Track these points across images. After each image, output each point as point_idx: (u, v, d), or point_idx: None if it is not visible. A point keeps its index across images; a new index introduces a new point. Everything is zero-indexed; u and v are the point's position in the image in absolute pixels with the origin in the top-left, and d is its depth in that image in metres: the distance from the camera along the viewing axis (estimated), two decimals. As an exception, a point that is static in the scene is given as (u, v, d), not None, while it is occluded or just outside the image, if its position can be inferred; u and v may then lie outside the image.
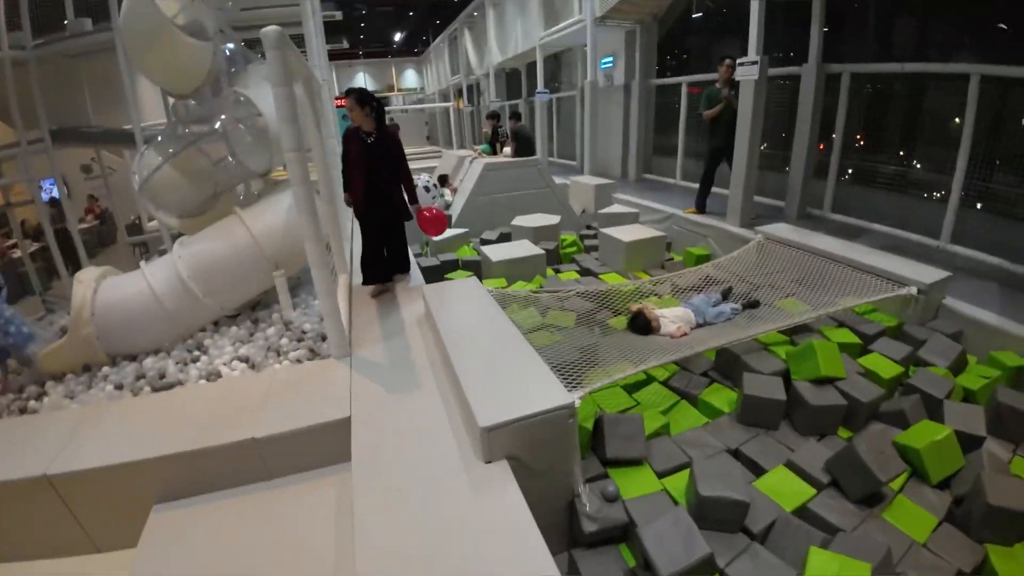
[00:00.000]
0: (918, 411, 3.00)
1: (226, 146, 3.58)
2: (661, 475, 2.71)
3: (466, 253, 6.06)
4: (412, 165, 4.53)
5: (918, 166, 5.49)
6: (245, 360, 3.12)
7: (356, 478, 2.08)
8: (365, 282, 3.93)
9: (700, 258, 6.02)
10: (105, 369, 3.18)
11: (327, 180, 4.11)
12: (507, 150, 8.04)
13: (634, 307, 3.85)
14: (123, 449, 2.39)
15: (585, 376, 3.21)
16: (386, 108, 4.26)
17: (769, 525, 2.36)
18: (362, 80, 27.60)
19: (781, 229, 5.10)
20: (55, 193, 7.96)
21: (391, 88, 29.16)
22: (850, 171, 6.05)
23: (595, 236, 6.95)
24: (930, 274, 3.82)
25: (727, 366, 3.49)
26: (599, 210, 7.18)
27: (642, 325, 3.72)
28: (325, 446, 2.48)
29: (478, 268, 5.50)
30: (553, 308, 4.15)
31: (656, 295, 4.54)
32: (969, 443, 2.76)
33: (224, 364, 3.11)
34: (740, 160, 5.60)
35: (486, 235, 6.75)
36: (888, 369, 3.29)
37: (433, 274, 5.33)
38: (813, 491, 2.55)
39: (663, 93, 9.14)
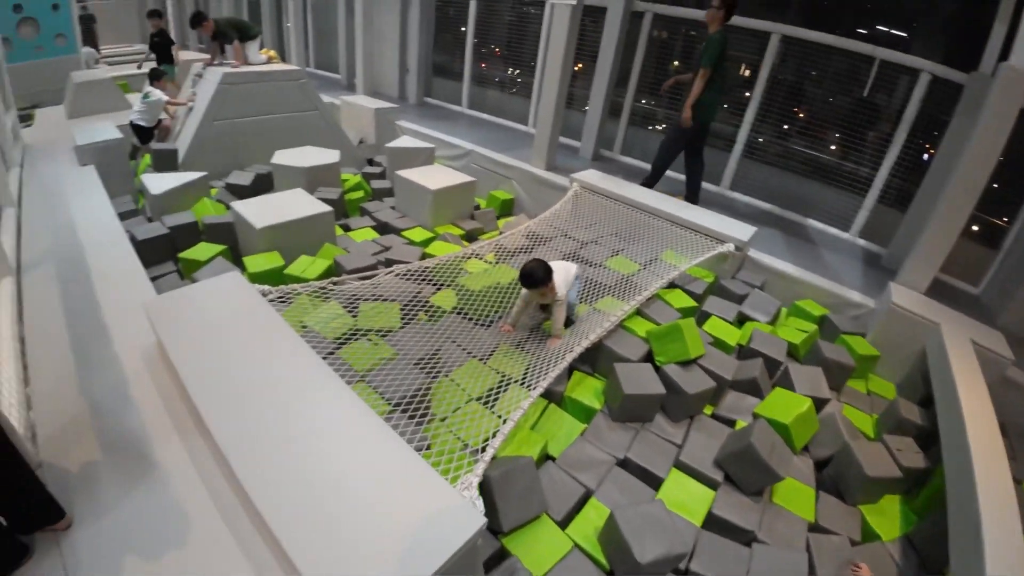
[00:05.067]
0: (764, 376, 3.06)
1: None
2: (563, 523, 2.18)
3: (208, 211, 4.21)
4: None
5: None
6: None
7: None
8: None
9: (505, 202, 5.52)
10: None
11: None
12: (243, 50, 5.84)
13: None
14: None
15: (443, 407, 2.41)
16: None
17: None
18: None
19: (593, 176, 4.82)
20: None
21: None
22: (641, 115, 6.08)
23: (382, 175, 5.77)
24: (744, 230, 3.95)
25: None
26: (385, 143, 5.88)
27: (540, 279, 2.82)
28: None
29: (231, 234, 3.89)
30: (363, 297, 3.09)
31: (478, 257, 3.83)
32: (817, 404, 2.90)
33: None
34: (549, 98, 5.05)
35: (235, 178, 4.93)
36: (731, 335, 3.31)
37: (157, 251, 3.58)
38: (712, 493, 2.43)
39: (446, 3, 7.86)
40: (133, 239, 3.35)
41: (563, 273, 3.02)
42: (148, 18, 7.43)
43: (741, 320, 3.63)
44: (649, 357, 3.00)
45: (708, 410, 2.94)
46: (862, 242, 4.82)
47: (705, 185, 5.51)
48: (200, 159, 5.10)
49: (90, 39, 10.57)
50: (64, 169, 4.26)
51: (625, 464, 2.53)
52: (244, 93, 5.32)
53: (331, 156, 5.07)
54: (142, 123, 5.43)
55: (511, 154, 5.75)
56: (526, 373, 2.69)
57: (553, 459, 2.47)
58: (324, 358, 2.26)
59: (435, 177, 4.71)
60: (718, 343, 3.24)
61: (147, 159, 5.23)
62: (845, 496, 2.56)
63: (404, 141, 5.80)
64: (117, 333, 2.27)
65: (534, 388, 2.37)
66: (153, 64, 6.95)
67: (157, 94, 5.42)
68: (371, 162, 6.32)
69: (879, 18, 4.60)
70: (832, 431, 2.77)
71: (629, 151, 6.21)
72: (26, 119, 5.68)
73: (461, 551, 1.39)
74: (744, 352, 3.29)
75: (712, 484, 2.45)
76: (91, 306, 2.45)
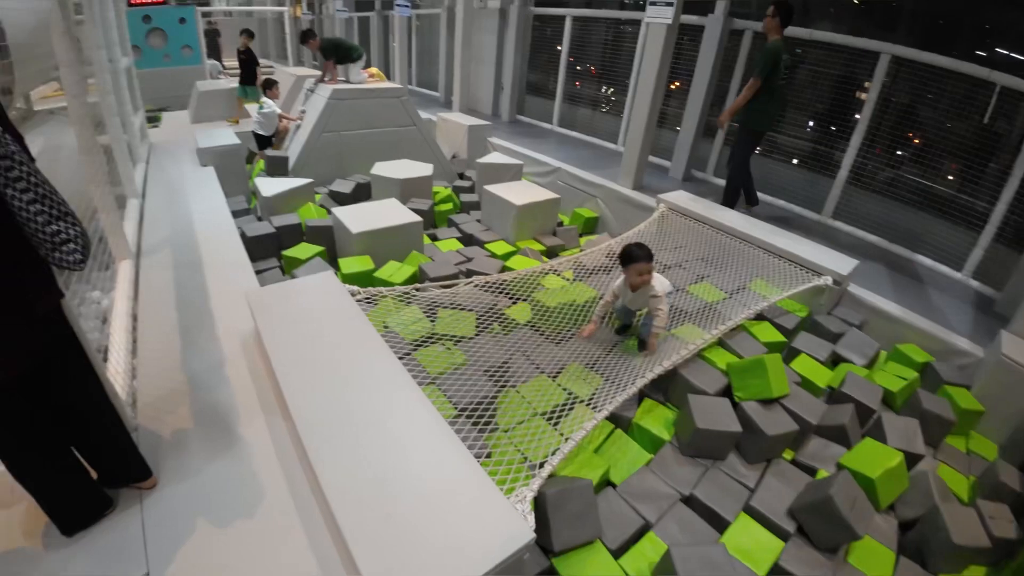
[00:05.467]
0: (854, 424, 2.80)
1: None
2: (617, 553, 2.11)
3: (311, 214, 4.61)
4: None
5: (806, 139, 5.42)
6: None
7: None
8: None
9: (589, 220, 5.51)
10: None
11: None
12: (352, 72, 6.33)
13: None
14: None
15: (507, 418, 2.43)
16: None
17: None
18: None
19: (681, 198, 4.68)
20: None
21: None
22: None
23: (471, 189, 5.97)
24: (843, 263, 3.66)
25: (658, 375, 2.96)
26: (476, 158, 6.10)
27: (642, 255, 2.82)
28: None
29: (329, 237, 4.20)
30: (442, 304, 3.20)
31: (556, 273, 3.84)
32: (909, 460, 2.62)
33: None
34: (640, 116, 4.99)
35: (337, 186, 5.33)
36: (821, 376, 3.06)
37: (264, 247, 3.92)
38: (781, 544, 2.24)
39: (543, 24, 8.05)
40: (243, 235, 3.71)
41: (659, 278, 3.01)
42: (240, 35, 8.00)
43: (834, 361, 3.34)
44: (727, 392, 2.84)
45: (788, 455, 2.73)
46: (975, 283, 4.25)
47: (805, 213, 5.21)
48: (308, 167, 5.56)
49: (215, 52, 11.76)
50: (186, 168, 4.82)
51: (690, 501, 2.40)
52: (350, 108, 5.75)
53: (425, 169, 5.33)
54: (261, 132, 6.03)
55: (598, 172, 5.73)
56: (594, 394, 2.65)
57: (614, 486, 2.40)
58: (401, 358, 2.36)
59: (521, 193, 4.80)
60: (806, 383, 3.01)
61: (261, 164, 5.78)
62: (927, 562, 2.29)
63: (494, 157, 5.97)
64: (220, 317, 2.52)
65: (600, 410, 2.33)
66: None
67: (270, 104, 5.99)
68: (462, 176, 6.56)
69: (999, 40, 4.17)
70: (922, 491, 2.49)
71: (722, 172, 5.95)
72: (152, 120, 6.50)
73: (506, 562, 1.39)
74: (834, 396, 3.02)
75: (782, 534, 2.26)
76: (200, 291, 2.75)
